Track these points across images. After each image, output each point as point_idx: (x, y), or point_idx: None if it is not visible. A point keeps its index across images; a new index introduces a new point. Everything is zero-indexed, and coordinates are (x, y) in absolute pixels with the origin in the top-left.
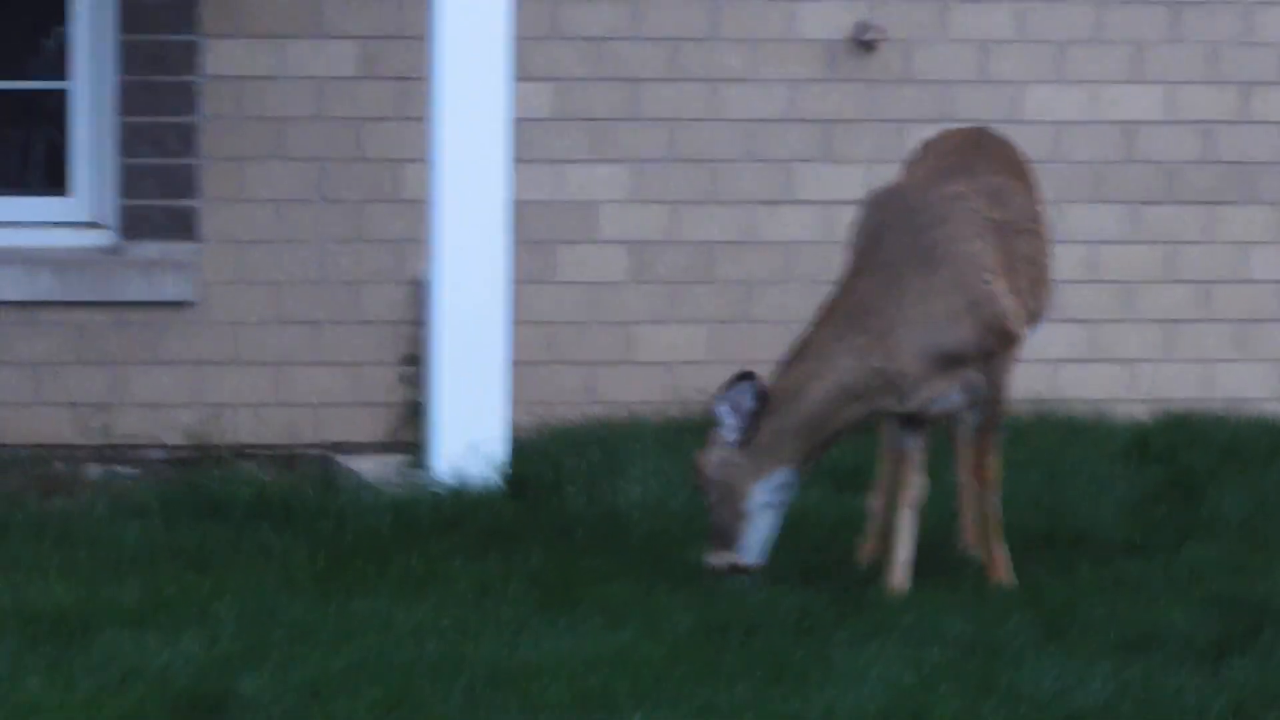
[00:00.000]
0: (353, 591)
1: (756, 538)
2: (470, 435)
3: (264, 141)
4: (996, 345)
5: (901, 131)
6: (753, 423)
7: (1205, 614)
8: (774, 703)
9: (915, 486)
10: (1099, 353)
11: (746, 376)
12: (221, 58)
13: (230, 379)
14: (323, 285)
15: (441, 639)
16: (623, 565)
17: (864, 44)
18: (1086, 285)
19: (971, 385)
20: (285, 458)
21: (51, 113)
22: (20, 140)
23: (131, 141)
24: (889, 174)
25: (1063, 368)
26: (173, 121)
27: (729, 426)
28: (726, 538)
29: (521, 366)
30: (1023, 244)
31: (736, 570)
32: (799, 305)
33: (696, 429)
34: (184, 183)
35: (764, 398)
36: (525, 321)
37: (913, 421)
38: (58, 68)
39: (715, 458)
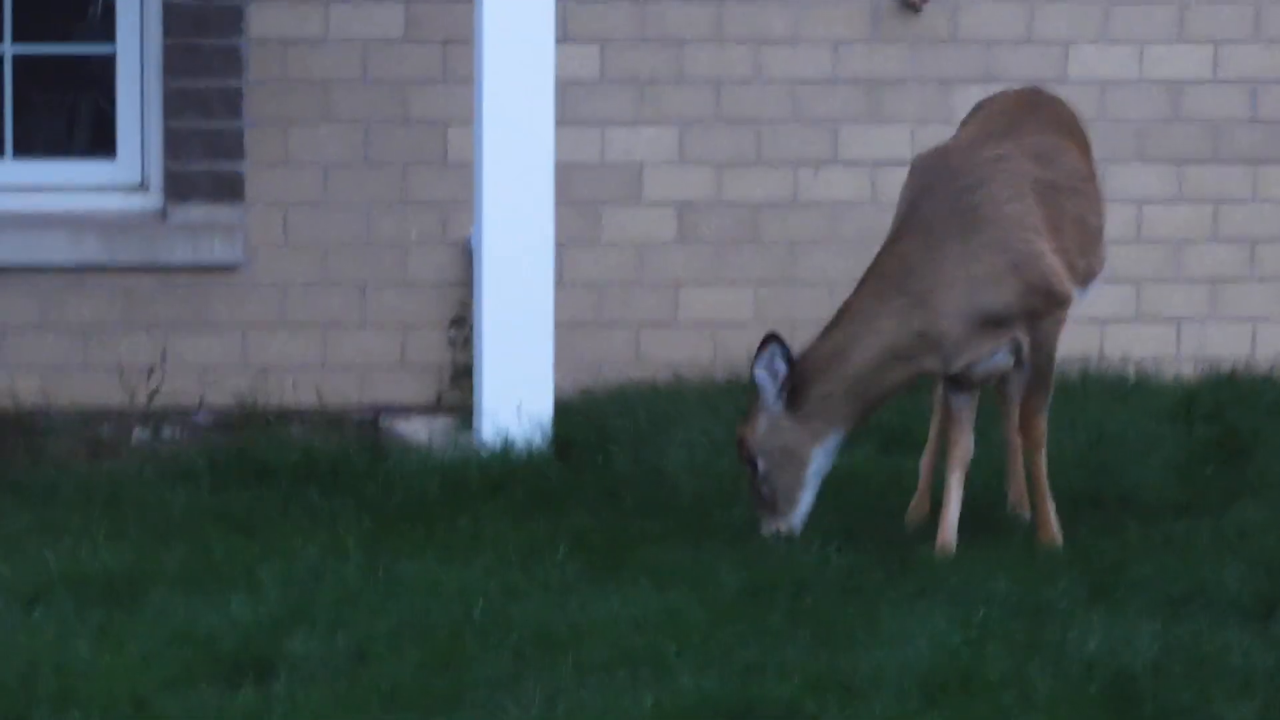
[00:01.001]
0: (399, 554)
1: (809, 502)
2: (516, 397)
3: (309, 105)
4: (1042, 305)
5: (947, 91)
6: (793, 386)
7: (1252, 573)
8: (821, 662)
9: (963, 447)
10: (1145, 312)
11: (772, 339)
12: (266, 21)
13: (277, 342)
14: (369, 248)
15: (488, 601)
16: (669, 527)
17: (909, 4)
18: (1132, 245)
19: (1017, 346)
20: (332, 421)
21: (97, 77)
22: (66, 104)
23: (177, 105)
24: (934, 134)
25: (1109, 328)
26: (218, 85)
27: (769, 392)
28: (784, 502)
29: (566, 328)
30: (1071, 204)
31: (788, 537)
32: (844, 267)
33: (740, 390)
34: (229, 146)
35: (790, 359)
36: (570, 283)
37: (960, 382)
38: (104, 32)
39: (763, 424)
